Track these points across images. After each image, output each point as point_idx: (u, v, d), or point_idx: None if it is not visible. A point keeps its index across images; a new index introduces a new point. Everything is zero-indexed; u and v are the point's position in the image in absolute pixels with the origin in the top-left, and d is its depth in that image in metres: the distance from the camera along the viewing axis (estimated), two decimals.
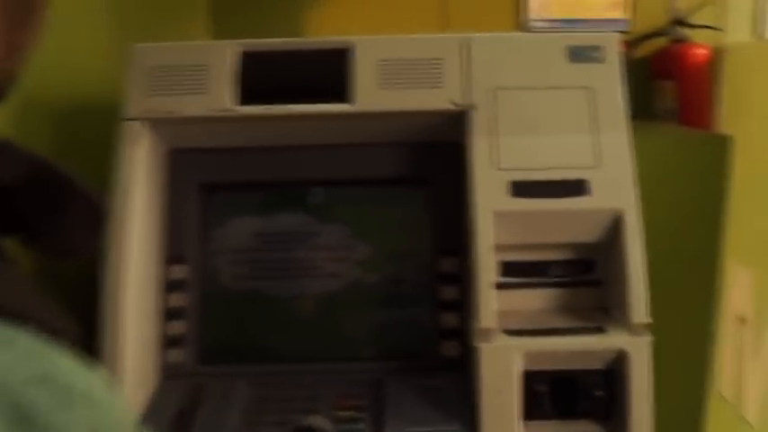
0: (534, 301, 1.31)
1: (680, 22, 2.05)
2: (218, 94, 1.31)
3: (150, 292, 1.30)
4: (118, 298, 1.22)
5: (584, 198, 1.25)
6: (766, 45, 2.03)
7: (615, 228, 1.25)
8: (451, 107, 1.30)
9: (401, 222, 1.36)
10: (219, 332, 1.34)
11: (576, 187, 1.25)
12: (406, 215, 1.36)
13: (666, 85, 2.04)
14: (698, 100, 2.03)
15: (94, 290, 1.23)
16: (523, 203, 1.25)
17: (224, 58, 1.33)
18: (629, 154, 1.27)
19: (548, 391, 1.21)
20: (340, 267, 1.35)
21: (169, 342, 1.31)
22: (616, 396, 1.20)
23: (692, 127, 1.99)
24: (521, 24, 2.08)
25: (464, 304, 1.28)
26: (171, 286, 1.33)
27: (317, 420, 1.19)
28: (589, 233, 1.27)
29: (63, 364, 0.37)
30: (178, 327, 1.32)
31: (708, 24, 2.04)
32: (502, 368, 1.20)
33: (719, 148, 1.57)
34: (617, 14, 2.10)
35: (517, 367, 1.20)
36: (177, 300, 1.32)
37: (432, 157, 1.34)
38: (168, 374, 1.30)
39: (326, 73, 1.33)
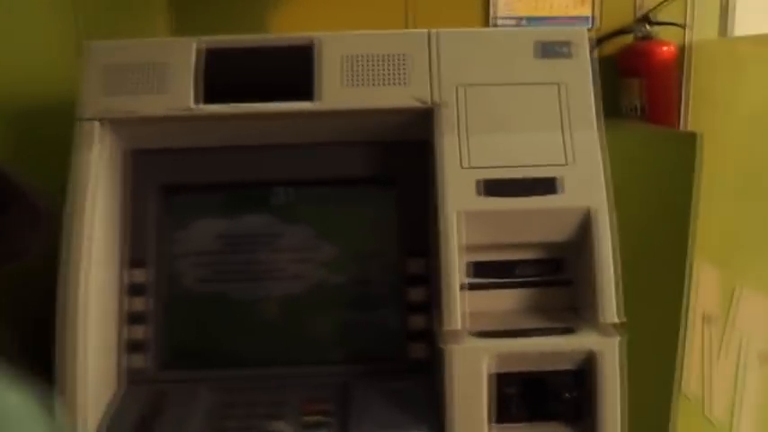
0: (503, 301, 1.29)
1: (646, 20, 2.04)
2: (179, 93, 1.27)
3: (110, 296, 1.27)
4: (76, 302, 1.19)
5: (555, 196, 1.23)
6: (731, 42, 2.03)
7: (586, 226, 1.24)
8: (418, 104, 1.27)
9: (367, 223, 1.34)
10: (182, 336, 1.31)
11: (546, 185, 1.24)
12: (372, 215, 1.34)
13: (633, 82, 2.03)
14: (665, 97, 2.03)
15: (53, 294, 1.19)
16: (493, 202, 1.22)
17: (184, 55, 1.29)
18: (600, 151, 1.25)
19: (517, 393, 1.20)
20: (304, 269, 1.32)
21: (130, 347, 1.28)
22: (586, 397, 1.19)
23: (660, 125, 1.98)
24: (487, 22, 2.06)
25: (432, 306, 1.26)
26: (132, 290, 1.30)
27: (280, 426, 1.17)
28: (559, 232, 1.25)
29: None
30: (139, 331, 1.29)
31: (674, 21, 2.04)
32: (470, 370, 1.18)
33: (687, 146, 1.57)
34: (583, 12, 2.08)
35: (486, 369, 1.18)
36: (138, 304, 1.29)
37: (399, 156, 1.32)
38: (130, 380, 1.27)
39: (290, 70, 1.29)
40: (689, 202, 1.59)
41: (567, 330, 1.21)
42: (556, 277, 1.29)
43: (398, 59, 1.28)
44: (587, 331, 1.20)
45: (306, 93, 1.27)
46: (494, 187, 1.23)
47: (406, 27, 1.98)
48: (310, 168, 1.32)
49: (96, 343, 1.21)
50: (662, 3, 2.04)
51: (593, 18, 2.08)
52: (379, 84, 1.27)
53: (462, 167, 1.24)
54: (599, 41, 2.05)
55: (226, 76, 1.29)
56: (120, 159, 1.32)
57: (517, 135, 1.26)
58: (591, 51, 1.30)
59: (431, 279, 1.26)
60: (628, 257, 1.25)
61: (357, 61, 1.28)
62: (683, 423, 1.71)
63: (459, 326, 1.19)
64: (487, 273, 1.28)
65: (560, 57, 1.28)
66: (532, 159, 1.25)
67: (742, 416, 1.72)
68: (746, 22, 2.07)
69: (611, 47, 2.07)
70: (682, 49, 2.05)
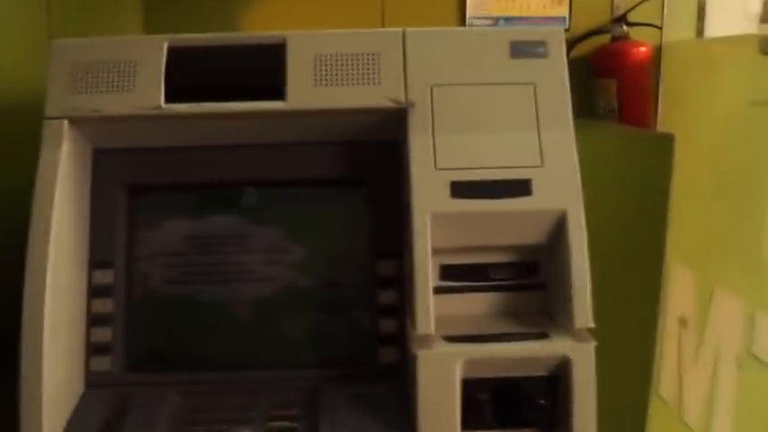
0: (475, 305, 1.27)
1: (620, 20, 2.04)
2: (145, 92, 1.24)
3: (74, 297, 1.25)
4: (38, 303, 1.16)
5: (527, 198, 1.21)
6: (704, 43, 2.04)
7: (559, 229, 1.22)
8: (389, 104, 1.24)
9: (337, 224, 1.31)
10: (148, 339, 1.29)
11: (518, 187, 1.21)
12: (342, 217, 1.32)
13: (607, 83, 2.03)
14: (639, 98, 2.03)
15: (17, 295, 1.17)
16: (463, 204, 1.20)
17: (150, 53, 1.26)
18: (574, 153, 1.23)
19: (489, 399, 1.17)
20: (274, 271, 1.30)
21: (94, 349, 1.26)
22: (559, 403, 1.17)
23: (634, 125, 1.98)
24: (462, 22, 2.05)
25: (403, 309, 1.24)
26: (96, 291, 1.27)
27: None
28: (532, 235, 1.23)
29: None
30: (103, 333, 1.26)
31: (648, 22, 2.04)
32: (441, 376, 1.15)
33: (662, 147, 1.56)
34: (557, 12, 2.08)
35: (457, 375, 1.15)
36: (103, 305, 1.27)
37: (369, 157, 1.30)
38: (95, 383, 1.25)
39: (261, 69, 1.26)
40: (664, 204, 1.59)
41: (541, 335, 1.19)
42: (529, 281, 1.27)
43: (371, 59, 1.25)
44: (561, 336, 1.18)
45: (276, 92, 1.24)
46: (466, 189, 1.21)
47: (382, 27, 1.98)
48: (280, 169, 1.30)
49: (61, 345, 1.19)
50: (638, 4, 2.03)
51: (568, 18, 2.08)
52: (350, 83, 1.25)
53: (435, 168, 1.21)
54: (574, 42, 2.05)
55: (195, 74, 1.27)
56: (87, 159, 1.29)
57: (490, 136, 1.23)
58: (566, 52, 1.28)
59: (401, 282, 1.24)
60: (602, 260, 1.23)
61: (329, 60, 1.25)
62: (659, 426, 1.71)
63: (430, 330, 1.17)
64: (459, 276, 1.26)
65: (535, 57, 1.26)
66: (506, 161, 1.22)
67: (718, 419, 1.72)
68: (718, 23, 2.07)
69: (587, 47, 2.07)
70: (655, 50, 2.04)
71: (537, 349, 1.17)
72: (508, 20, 2.05)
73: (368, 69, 1.25)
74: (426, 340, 1.17)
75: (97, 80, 1.25)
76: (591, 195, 1.24)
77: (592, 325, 1.17)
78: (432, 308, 1.17)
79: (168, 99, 1.25)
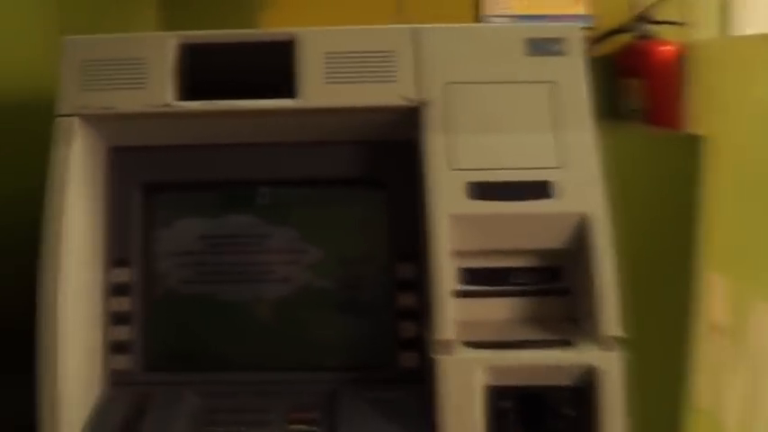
0: (497, 310, 1.22)
1: (645, 18, 1.99)
2: (157, 89, 1.23)
3: (91, 296, 1.24)
4: (55, 303, 1.15)
5: (548, 201, 1.16)
6: (735, 41, 1.98)
7: (582, 233, 1.17)
8: (404, 103, 1.21)
9: (355, 225, 1.29)
10: (167, 338, 1.28)
11: (538, 189, 1.17)
12: (360, 217, 1.29)
13: (632, 83, 1.98)
14: (666, 98, 1.97)
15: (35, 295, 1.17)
16: (482, 206, 1.16)
17: (163, 50, 1.24)
18: (596, 153, 1.19)
19: (512, 407, 1.13)
20: (292, 271, 1.28)
21: (114, 348, 1.25)
22: (586, 414, 1.11)
23: (661, 126, 1.92)
24: (478, 20, 2.01)
25: (423, 313, 1.20)
26: (114, 290, 1.26)
27: None
28: (554, 239, 1.18)
29: None
30: (123, 332, 1.26)
31: (674, 20, 1.98)
32: (462, 383, 1.11)
33: (691, 149, 1.51)
34: (580, 10, 2.03)
35: (479, 382, 1.11)
36: (121, 304, 1.26)
37: (387, 156, 1.26)
38: (114, 381, 1.24)
39: (271, 67, 1.24)
40: (694, 208, 1.53)
41: (565, 343, 1.14)
42: (552, 286, 1.22)
43: (383, 56, 1.22)
44: (587, 344, 1.13)
45: (287, 90, 1.22)
46: (484, 190, 1.16)
47: (396, 22, 1.95)
48: (296, 168, 1.28)
49: (78, 344, 1.18)
50: (660, 1, 1.98)
51: (590, 16, 2.03)
52: (363, 81, 1.21)
53: (451, 169, 1.17)
54: (597, 40, 2.00)
55: (205, 72, 1.24)
56: (101, 156, 1.28)
57: (508, 136, 1.19)
58: (587, 49, 1.24)
59: (421, 285, 1.20)
60: (632, 267, 1.20)
61: (340, 58, 1.22)
62: None
63: (449, 335, 1.13)
64: (480, 280, 1.21)
65: (552, 54, 1.22)
66: (524, 162, 1.18)
67: (758, 429, 1.65)
68: (746, 20, 2.02)
69: (610, 46, 2.02)
70: (682, 49, 1.98)
71: (561, 357, 1.12)
72: (528, 18, 2.01)
73: (381, 67, 1.21)
74: (446, 346, 1.13)
75: (108, 77, 1.23)
76: (617, 198, 1.19)
77: (619, 333, 1.12)
78: (450, 312, 1.13)
79: (179, 96, 1.23)
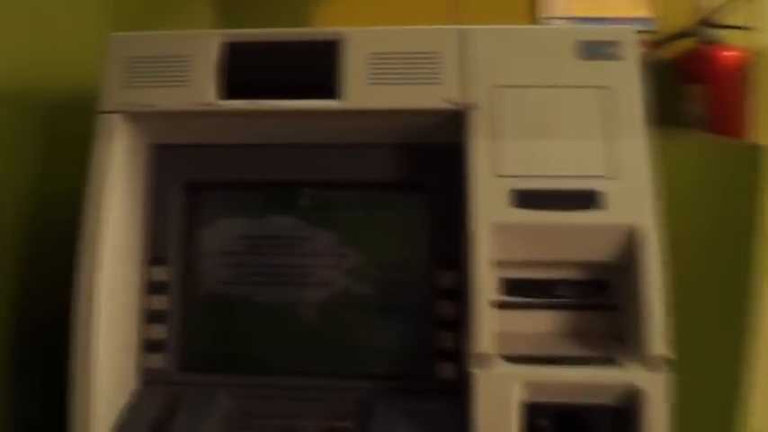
0: (539, 323, 1.18)
1: (710, 22, 1.91)
2: (200, 88, 1.22)
3: (128, 293, 1.24)
4: (90, 299, 1.16)
5: (596, 212, 1.12)
6: None
7: (631, 246, 1.12)
8: (449, 106, 1.17)
9: (396, 230, 1.26)
10: (202, 338, 1.27)
11: (586, 199, 1.12)
12: (401, 222, 1.26)
13: (695, 89, 1.91)
14: (729, 106, 1.90)
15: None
16: (526, 215, 1.12)
17: (207, 48, 1.23)
18: (649, 163, 1.13)
19: (550, 425, 1.09)
20: (330, 275, 1.26)
21: (148, 346, 1.25)
22: None
23: (723, 135, 1.85)
24: (536, 22, 1.97)
25: (462, 323, 1.16)
26: (152, 288, 1.26)
27: None
28: (601, 251, 1.14)
29: None
30: (158, 331, 1.26)
31: (739, 25, 1.90)
32: (498, 398, 1.07)
33: (752, 159, 1.44)
34: (642, 13, 1.97)
35: (515, 397, 1.07)
36: (158, 302, 1.26)
37: (430, 160, 1.23)
38: (147, 380, 1.24)
39: (314, 67, 1.21)
40: (753, 220, 1.46)
41: (609, 361, 1.09)
42: (598, 301, 1.17)
43: (429, 57, 1.18)
44: (631, 364, 1.08)
45: (330, 90, 1.20)
46: (529, 198, 1.12)
47: (452, 22, 1.91)
48: (338, 170, 1.26)
49: (114, 341, 1.18)
50: (727, 5, 1.90)
51: (653, 19, 1.97)
52: (407, 83, 1.18)
53: (495, 175, 1.14)
54: (659, 44, 1.93)
55: (248, 70, 1.23)
56: (143, 154, 1.28)
57: (556, 142, 1.15)
58: (649, 53, 1.18)
59: (462, 294, 1.16)
60: (683, 281, 1.15)
61: (385, 58, 1.19)
62: None
63: (487, 348, 1.09)
64: (522, 291, 1.18)
65: (606, 58, 1.17)
66: (573, 170, 1.13)
67: None
68: None
69: (672, 50, 1.95)
70: (748, 54, 1.90)
71: (603, 376, 1.07)
72: (587, 20, 1.96)
73: (426, 68, 1.18)
74: (484, 359, 1.09)
75: (152, 75, 1.23)
76: (673, 210, 1.14)
77: (666, 353, 1.07)
78: (489, 324, 1.10)
79: (222, 95, 1.22)
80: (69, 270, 1.17)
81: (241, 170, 1.28)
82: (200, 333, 1.27)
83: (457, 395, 1.15)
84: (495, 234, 1.12)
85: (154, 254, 1.27)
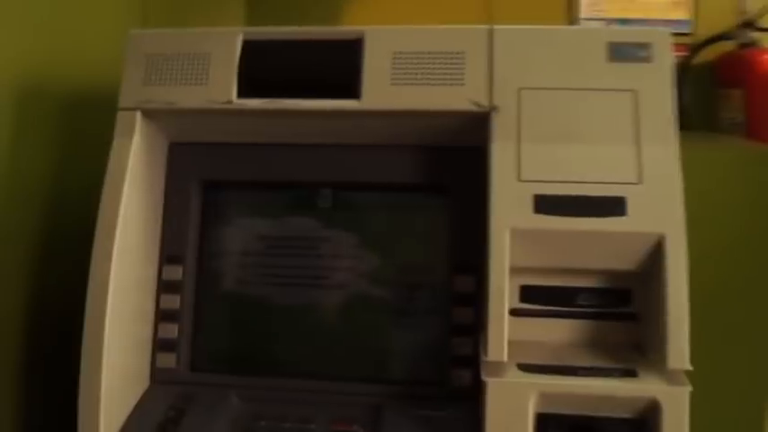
0: (557, 332, 1.16)
1: (750, 25, 1.86)
2: (218, 86, 1.21)
3: (142, 291, 1.24)
4: (103, 296, 1.14)
5: (622, 219, 1.08)
6: None
7: (656, 255, 1.08)
8: (472, 108, 1.15)
9: (414, 233, 1.24)
10: (214, 339, 1.27)
11: (612, 206, 1.09)
12: (420, 225, 1.24)
13: (733, 93, 1.85)
14: None
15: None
16: (550, 221, 1.09)
17: (227, 46, 1.22)
18: (677, 170, 1.10)
19: None
20: (345, 277, 1.25)
21: (161, 346, 1.25)
22: None
23: (762, 141, 1.80)
24: (572, 23, 1.93)
25: (479, 329, 1.14)
26: (165, 287, 1.26)
27: None
28: (626, 260, 1.11)
29: None
30: (171, 330, 1.25)
31: None
32: (512, 407, 1.05)
33: None
34: (680, 15, 1.92)
35: (530, 408, 1.05)
36: (172, 302, 1.26)
37: (452, 163, 1.21)
38: (158, 379, 1.24)
39: (336, 66, 1.20)
40: None
41: (628, 373, 1.06)
42: (619, 310, 1.14)
43: (453, 58, 1.16)
44: (651, 376, 1.05)
45: (352, 90, 1.18)
46: (552, 204, 1.09)
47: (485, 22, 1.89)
48: (357, 171, 1.24)
49: (125, 339, 1.18)
50: None
51: (691, 21, 1.92)
52: (430, 83, 1.16)
53: (518, 180, 1.11)
54: (697, 48, 1.89)
55: (268, 69, 1.22)
56: (161, 152, 1.28)
57: (582, 147, 1.12)
58: (687, 58, 1.15)
59: (480, 300, 1.14)
60: (710, 293, 1.11)
61: (408, 58, 1.17)
62: None
63: (502, 356, 1.06)
64: (541, 299, 1.15)
65: (637, 61, 1.13)
66: (598, 175, 1.10)
67: None
68: None
69: (711, 53, 1.90)
70: None
71: (621, 388, 1.05)
72: (624, 22, 1.92)
73: (450, 69, 1.16)
74: (498, 367, 1.07)
75: (171, 72, 1.22)
76: (705, 218, 1.11)
77: (687, 366, 1.04)
78: (506, 332, 1.07)
79: (242, 94, 1.20)
80: (87, 267, 1.16)
81: (259, 170, 1.27)
82: (214, 333, 1.27)
83: (472, 403, 1.13)
84: (516, 240, 1.09)
85: (169, 252, 1.27)
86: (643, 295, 1.13)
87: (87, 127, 1.42)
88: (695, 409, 1.02)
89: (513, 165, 1.11)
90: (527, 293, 1.15)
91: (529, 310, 1.15)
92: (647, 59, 1.14)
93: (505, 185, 1.11)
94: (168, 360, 1.25)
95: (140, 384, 1.22)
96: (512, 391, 1.05)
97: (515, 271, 1.10)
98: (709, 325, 1.10)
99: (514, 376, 1.06)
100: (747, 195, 1.44)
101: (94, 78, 1.45)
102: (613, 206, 1.09)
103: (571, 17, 1.94)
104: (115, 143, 1.21)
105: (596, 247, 1.10)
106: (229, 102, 1.20)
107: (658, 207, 1.08)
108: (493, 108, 1.14)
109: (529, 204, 1.09)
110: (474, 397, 1.12)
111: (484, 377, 1.06)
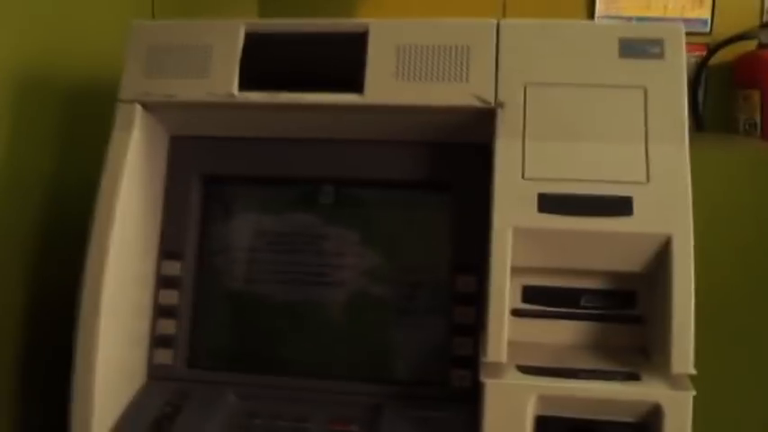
0: (559, 334, 1.13)
1: None
2: (219, 79, 1.19)
3: (140, 286, 1.23)
4: (97, 290, 1.13)
5: (629, 219, 1.06)
6: None
7: (662, 257, 1.06)
8: (477, 104, 1.12)
9: (416, 231, 1.22)
10: (211, 336, 1.26)
11: (619, 205, 1.06)
12: (422, 223, 1.22)
13: (750, 94, 1.82)
14: None
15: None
16: (551, 220, 1.06)
17: (230, 38, 1.20)
18: (686, 169, 1.07)
19: None
20: (345, 275, 1.23)
21: (158, 341, 1.24)
22: None
23: None
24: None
25: (480, 329, 1.12)
26: (164, 283, 1.25)
27: None
28: (630, 261, 1.08)
29: None
30: (168, 326, 1.24)
31: None
32: (510, 410, 1.03)
33: None
34: (702, 14, 1.89)
35: (529, 411, 1.03)
36: (169, 297, 1.24)
37: (456, 160, 1.19)
38: (154, 375, 1.23)
39: (340, 59, 1.18)
40: None
41: (631, 376, 1.04)
42: (623, 312, 1.12)
43: (459, 52, 1.14)
44: (655, 380, 1.03)
45: (355, 84, 1.15)
46: (558, 203, 1.07)
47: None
48: (359, 167, 1.22)
49: (122, 334, 1.17)
50: None
51: (711, 21, 1.89)
52: (435, 79, 1.13)
53: (523, 178, 1.08)
54: (716, 47, 1.86)
55: (271, 62, 1.20)
56: (161, 145, 1.26)
57: (590, 145, 1.09)
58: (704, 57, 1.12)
59: (481, 300, 1.12)
60: (717, 296, 1.09)
61: (413, 52, 1.15)
62: None
63: (502, 358, 1.04)
64: (543, 299, 1.13)
65: (649, 57, 1.10)
66: (606, 174, 1.08)
67: None
68: None
69: (729, 54, 1.87)
70: None
71: (623, 392, 1.02)
72: (642, 20, 1.89)
73: (456, 64, 1.13)
74: (497, 368, 1.05)
75: (172, 64, 1.20)
76: (714, 220, 1.08)
77: (691, 371, 1.01)
78: (505, 333, 1.05)
79: (243, 87, 1.18)
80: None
81: (261, 165, 1.25)
82: (212, 330, 1.25)
83: (471, 405, 1.10)
84: (519, 239, 1.07)
85: (168, 247, 1.25)
86: (648, 297, 1.11)
87: (90, 119, 1.41)
88: (698, 414, 1.00)
89: (518, 162, 1.09)
90: (529, 294, 1.13)
91: (531, 310, 1.13)
92: (658, 56, 1.10)
93: (509, 183, 1.08)
94: (165, 356, 1.23)
95: (136, 380, 1.21)
96: (510, 393, 1.03)
97: (518, 271, 1.08)
98: (715, 329, 1.07)
99: (513, 378, 1.04)
100: (762, 198, 1.42)
101: (99, 70, 1.44)
102: (619, 206, 1.06)
103: (589, 15, 1.92)
104: (114, 136, 1.19)
105: (601, 247, 1.08)
106: (231, 95, 1.18)
107: (666, 207, 1.06)
108: (498, 104, 1.12)
109: (533, 203, 1.07)
110: (473, 398, 1.10)
111: (482, 378, 1.04)
